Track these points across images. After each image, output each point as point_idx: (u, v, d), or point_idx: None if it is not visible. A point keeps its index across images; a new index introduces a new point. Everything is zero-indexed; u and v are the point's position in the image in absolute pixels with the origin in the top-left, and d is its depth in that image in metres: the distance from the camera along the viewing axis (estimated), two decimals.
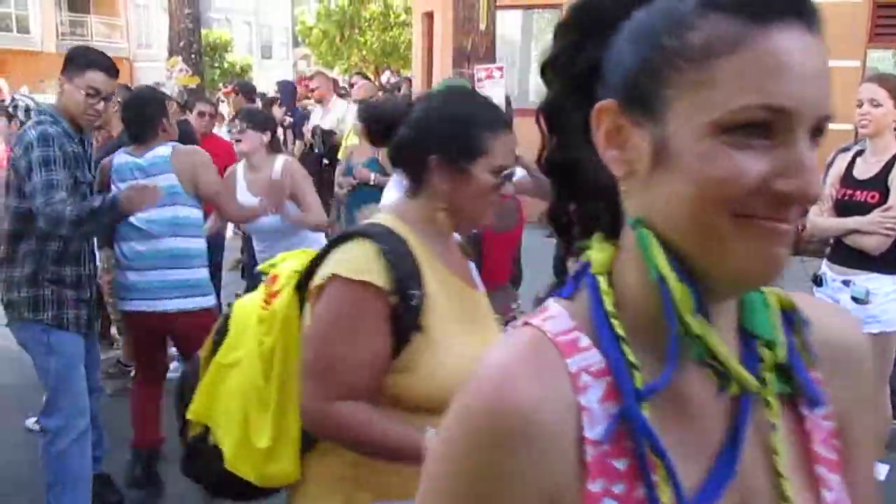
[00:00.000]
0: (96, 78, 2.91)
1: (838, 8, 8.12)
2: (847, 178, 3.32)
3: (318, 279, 1.45)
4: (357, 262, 1.41)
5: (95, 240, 3.38)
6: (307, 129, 7.13)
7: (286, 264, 1.62)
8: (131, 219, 3.13)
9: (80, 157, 2.96)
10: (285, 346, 1.52)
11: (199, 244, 3.38)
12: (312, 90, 7.45)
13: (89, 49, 3.20)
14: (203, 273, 3.39)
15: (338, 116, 7.16)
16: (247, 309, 1.63)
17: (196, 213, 3.36)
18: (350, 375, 1.40)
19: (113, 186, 3.27)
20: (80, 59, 2.94)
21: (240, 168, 3.95)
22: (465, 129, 1.48)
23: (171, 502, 3.43)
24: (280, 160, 3.90)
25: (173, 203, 3.23)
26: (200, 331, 2.51)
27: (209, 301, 3.38)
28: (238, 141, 3.91)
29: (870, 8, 8.19)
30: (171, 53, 10.03)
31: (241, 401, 1.55)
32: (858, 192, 3.25)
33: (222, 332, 1.66)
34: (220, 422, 1.59)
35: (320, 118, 7.27)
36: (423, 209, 1.53)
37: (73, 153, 2.89)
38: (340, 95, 8.10)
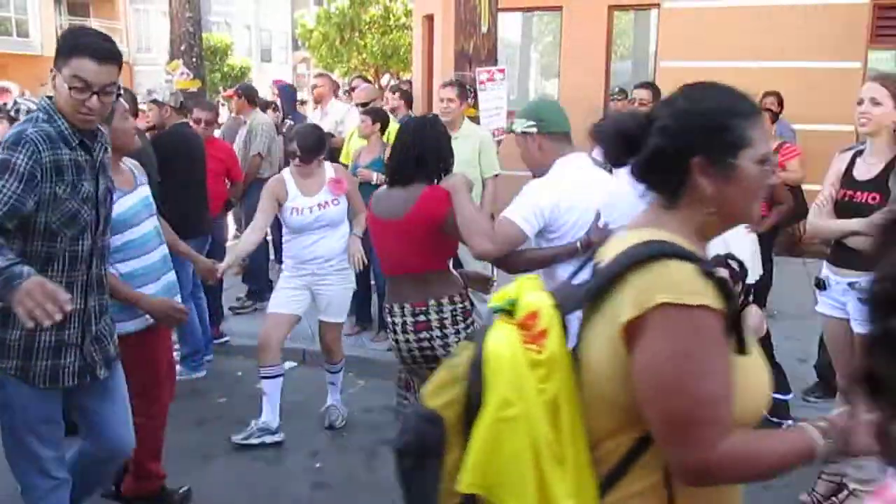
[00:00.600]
0: (82, 66, 2.33)
1: (839, 9, 8.13)
2: (847, 179, 3.30)
3: (633, 310, 1.28)
4: (686, 284, 1.28)
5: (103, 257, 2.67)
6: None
7: (535, 298, 1.43)
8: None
9: (82, 164, 2.45)
10: (568, 392, 1.37)
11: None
12: (315, 87, 7.44)
13: (80, 30, 2.64)
14: None
15: (336, 119, 7.17)
16: (505, 353, 1.37)
17: None
18: (722, 411, 1.27)
19: None
20: (65, 44, 2.38)
21: (287, 175, 4.20)
22: (724, 123, 1.38)
23: None
24: (329, 165, 4.34)
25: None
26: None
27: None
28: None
29: (871, 9, 8.18)
30: (171, 57, 10.02)
31: (531, 458, 1.33)
32: (859, 194, 3.23)
33: (475, 384, 1.39)
34: (507, 486, 1.35)
35: (319, 120, 7.26)
36: (689, 218, 1.42)
37: (71, 160, 2.40)
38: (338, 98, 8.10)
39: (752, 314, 4.21)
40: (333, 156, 7.09)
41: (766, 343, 4.31)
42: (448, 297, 3.12)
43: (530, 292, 1.44)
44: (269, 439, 4.11)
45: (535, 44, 10.61)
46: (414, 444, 1.45)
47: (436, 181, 3.19)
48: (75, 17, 30.30)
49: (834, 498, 3.52)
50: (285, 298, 4.17)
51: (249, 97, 7.44)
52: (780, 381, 4.31)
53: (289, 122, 7.45)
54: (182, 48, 9.87)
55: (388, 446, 4.14)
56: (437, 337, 3.09)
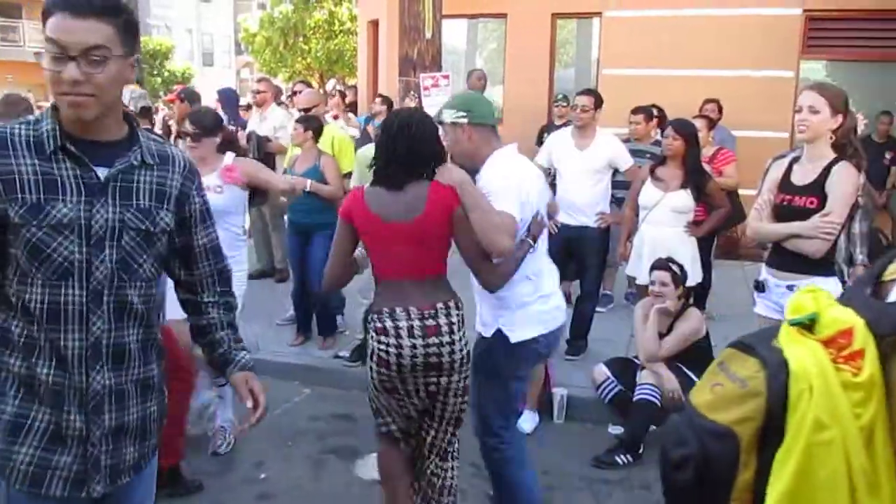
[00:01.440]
0: (55, 25, 1.63)
1: (773, 20, 8.40)
2: (785, 185, 3.39)
3: None
4: None
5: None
6: (242, 135, 7.07)
7: (842, 314, 1.30)
8: None
9: (62, 179, 1.71)
10: (883, 418, 1.26)
11: None
12: (257, 93, 7.38)
13: None
14: None
15: (274, 124, 7.15)
16: (814, 371, 1.27)
17: None
18: None
19: None
20: (44, 7, 1.69)
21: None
22: None
23: None
24: (230, 155, 4.06)
25: None
26: None
27: None
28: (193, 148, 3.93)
29: (803, 21, 8.46)
30: None
31: (847, 487, 1.25)
32: (797, 198, 3.33)
33: (776, 401, 1.29)
34: None
35: (257, 125, 7.21)
36: None
37: (37, 171, 1.70)
38: (279, 104, 8.05)
39: (694, 316, 4.34)
40: (270, 161, 7.06)
41: (705, 344, 4.41)
42: (454, 301, 2.93)
43: (832, 306, 1.33)
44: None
45: (480, 50, 10.68)
46: (697, 459, 1.32)
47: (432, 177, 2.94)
48: (9, 18, 29.37)
49: None
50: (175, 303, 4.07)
51: (192, 101, 7.31)
52: None
53: (231, 127, 7.34)
54: None
55: (334, 455, 4.12)
56: (446, 343, 2.87)
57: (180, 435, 3.63)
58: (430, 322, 2.86)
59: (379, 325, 2.89)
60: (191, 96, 7.67)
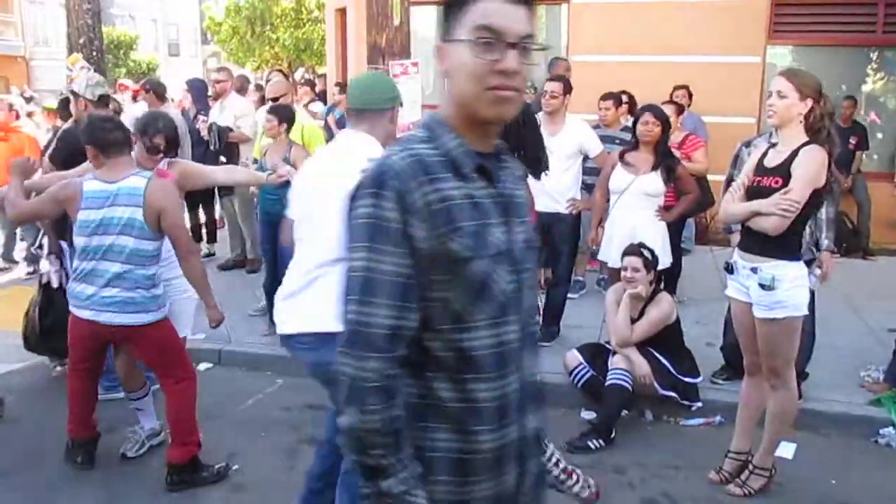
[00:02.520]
0: (491, 10, 1.42)
1: (740, 6, 8.46)
2: (758, 168, 3.44)
3: None
4: None
5: None
6: (202, 125, 6.99)
7: None
8: (91, 243, 3.46)
9: (478, 203, 1.44)
10: None
11: (146, 271, 3.57)
12: (217, 82, 7.31)
13: None
14: (141, 294, 3.56)
15: (235, 114, 7.10)
16: None
17: (148, 246, 3.56)
18: None
19: (80, 213, 3.44)
20: None
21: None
22: None
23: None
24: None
25: (129, 234, 3.48)
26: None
27: (143, 318, 3.59)
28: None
29: (769, 6, 8.53)
30: (70, 51, 9.59)
31: None
32: (765, 179, 3.37)
33: None
34: None
35: (217, 115, 7.14)
36: None
37: (466, 197, 1.43)
38: (239, 91, 7.98)
39: (665, 301, 4.37)
40: (232, 150, 6.99)
41: (676, 329, 4.45)
42: None
43: None
44: (156, 441, 4.07)
45: None
46: None
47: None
48: None
49: (738, 478, 3.67)
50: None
51: (158, 93, 7.20)
52: (690, 365, 4.46)
53: (201, 116, 7.26)
54: (81, 41, 9.45)
55: (308, 445, 4.09)
56: None
57: (196, 425, 3.80)
58: None
59: None
60: (156, 87, 7.55)
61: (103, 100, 5.02)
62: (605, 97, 6.50)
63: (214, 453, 4.01)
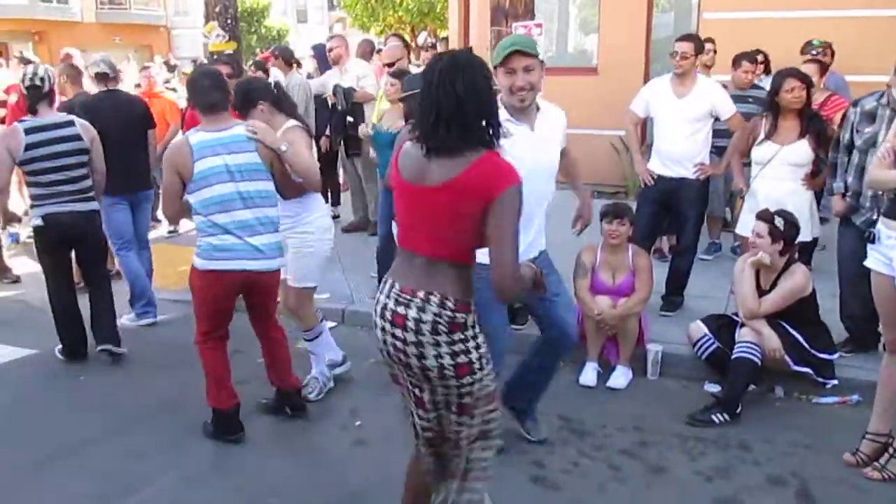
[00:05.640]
0: None
1: None
2: None
3: None
4: None
5: None
6: (327, 87, 7.17)
7: None
8: (237, 189, 3.57)
9: None
10: None
11: (276, 212, 3.80)
12: (331, 49, 7.45)
13: None
14: (279, 238, 3.82)
15: (357, 74, 7.21)
16: None
17: (271, 186, 3.76)
18: None
19: (197, 164, 3.53)
20: None
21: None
22: None
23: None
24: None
25: (258, 178, 3.65)
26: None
27: (282, 262, 3.90)
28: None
29: None
30: (207, 19, 10.01)
31: None
32: None
33: None
34: None
35: (339, 78, 7.26)
36: None
37: None
38: (363, 56, 8.10)
39: (799, 272, 4.14)
40: (359, 110, 7.10)
41: (811, 302, 4.22)
42: (440, 295, 2.32)
43: None
44: (339, 370, 4.47)
45: None
46: None
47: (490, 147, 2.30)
48: None
49: (877, 461, 3.47)
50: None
51: (286, 58, 7.43)
52: (826, 340, 4.23)
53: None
54: (217, 10, 9.82)
55: None
56: (410, 342, 2.34)
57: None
58: (400, 309, 2.37)
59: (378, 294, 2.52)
60: (284, 53, 7.78)
61: (101, 77, 5.40)
62: (738, 58, 6.20)
63: (337, 409, 4.17)
